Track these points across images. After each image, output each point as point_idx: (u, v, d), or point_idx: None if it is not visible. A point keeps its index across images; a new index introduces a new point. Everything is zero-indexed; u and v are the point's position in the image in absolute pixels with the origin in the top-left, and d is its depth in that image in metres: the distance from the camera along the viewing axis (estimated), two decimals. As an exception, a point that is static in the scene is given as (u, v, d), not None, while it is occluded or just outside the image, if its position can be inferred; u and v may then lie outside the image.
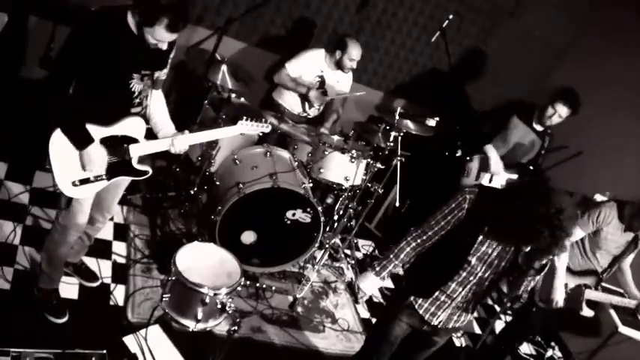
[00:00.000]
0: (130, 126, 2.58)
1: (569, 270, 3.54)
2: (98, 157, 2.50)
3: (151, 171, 2.75)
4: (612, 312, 3.78)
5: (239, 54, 4.66)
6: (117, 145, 2.57)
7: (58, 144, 2.44)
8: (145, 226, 3.80)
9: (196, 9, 4.37)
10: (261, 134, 3.10)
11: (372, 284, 2.64)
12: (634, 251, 3.56)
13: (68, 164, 2.48)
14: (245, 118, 2.95)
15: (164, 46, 2.41)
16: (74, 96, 2.39)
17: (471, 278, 2.45)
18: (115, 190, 2.83)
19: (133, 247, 3.58)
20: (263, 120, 3.02)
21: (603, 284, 3.70)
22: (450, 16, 4.69)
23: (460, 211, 2.38)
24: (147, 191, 4.02)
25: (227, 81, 3.77)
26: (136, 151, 2.64)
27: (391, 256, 2.56)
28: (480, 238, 2.36)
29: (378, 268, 2.59)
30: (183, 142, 2.70)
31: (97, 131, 2.48)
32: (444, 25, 4.65)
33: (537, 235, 2.14)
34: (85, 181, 2.54)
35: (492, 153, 4.22)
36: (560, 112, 4.02)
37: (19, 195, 3.48)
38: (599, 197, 3.85)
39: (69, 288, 3.07)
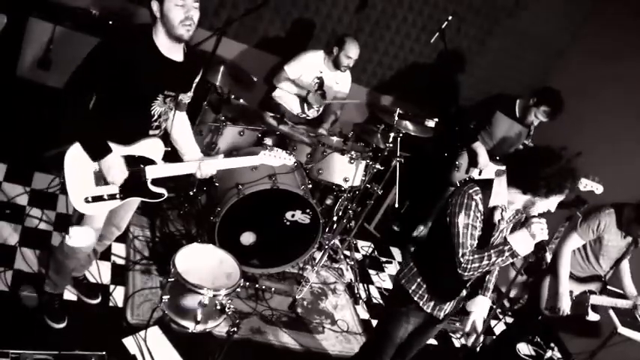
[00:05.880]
0: (147, 147, 2.54)
1: (573, 277, 3.53)
2: (117, 166, 2.43)
3: (166, 194, 2.67)
4: (612, 313, 3.78)
5: (238, 55, 4.66)
6: (134, 165, 2.51)
7: (74, 158, 2.39)
8: (144, 227, 3.80)
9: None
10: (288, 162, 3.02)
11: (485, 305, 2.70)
12: (633, 250, 3.55)
13: (82, 179, 2.43)
14: (270, 148, 2.95)
15: (196, 17, 2.29)
16: (93, 111, 2.35)
17: None
18: (127, 207, 2.76)
19: (133, 249, 3.57)
20: (289, 153, 2.97)
21: (608, 287, 3.69)
22: (449, 17, 4.68)
23: (479, 213, 2.37)
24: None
25: (226, 82, 3.76)
26: (152, 173, 2.57)
27: (489, 278, 2.70)
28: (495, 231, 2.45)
29: (490, 287, 2.71)
30: (211, 167, 2.68)
31: (114, 148, 2.42)
32: (443, 26, 4.64)
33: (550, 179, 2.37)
34: (97, 199, 2.48)
35: (480, 149, 4.35)
36: (541, 117, 4.19)
37: (18, 197, 3.47)
38: (584, 182, 3.81)
39: (68, 289, 3.06)
